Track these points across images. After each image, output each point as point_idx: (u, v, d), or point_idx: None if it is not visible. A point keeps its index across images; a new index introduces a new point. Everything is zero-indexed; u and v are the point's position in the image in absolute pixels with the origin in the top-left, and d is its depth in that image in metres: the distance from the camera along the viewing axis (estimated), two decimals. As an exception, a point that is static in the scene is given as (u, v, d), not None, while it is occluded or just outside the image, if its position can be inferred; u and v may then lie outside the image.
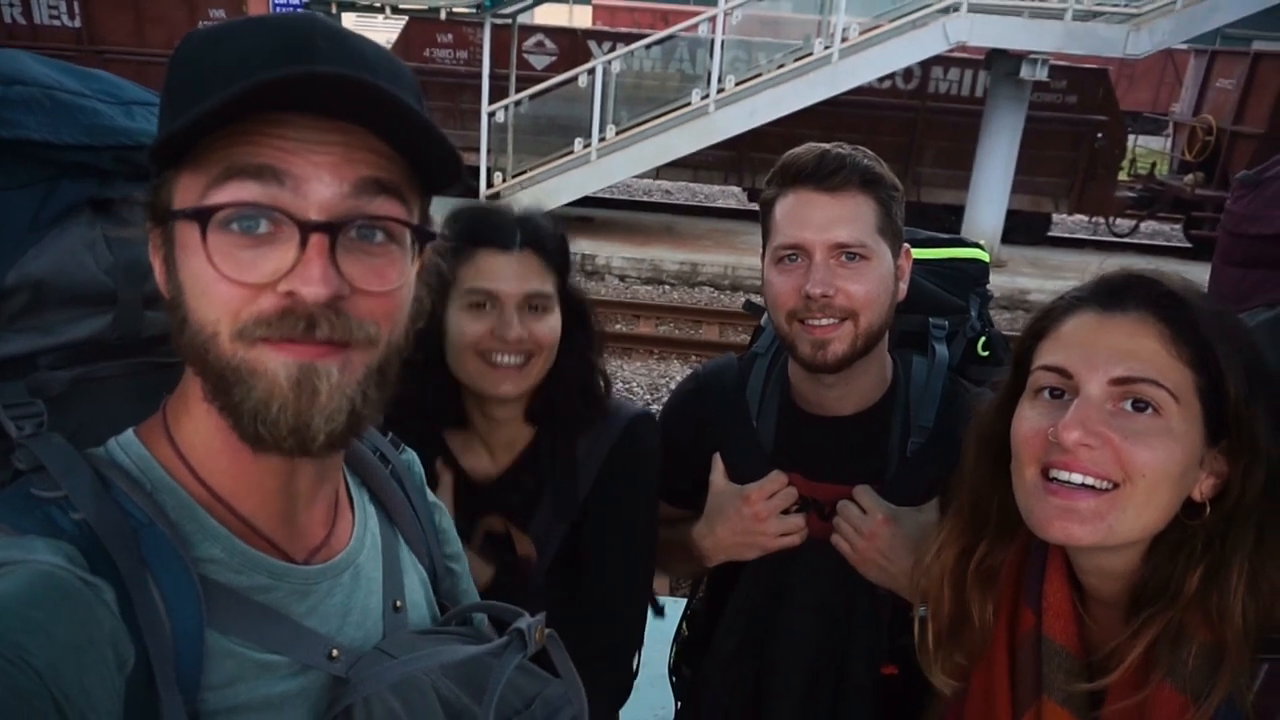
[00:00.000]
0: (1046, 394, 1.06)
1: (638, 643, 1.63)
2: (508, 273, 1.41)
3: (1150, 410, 0.99)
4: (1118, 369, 1.00)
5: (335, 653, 0.81)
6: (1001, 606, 1.17)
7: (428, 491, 1.09)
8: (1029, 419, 1.07)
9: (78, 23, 12.69)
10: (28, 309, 0.85)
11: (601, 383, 1.57)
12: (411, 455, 1.08)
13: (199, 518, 0.77)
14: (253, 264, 0.69)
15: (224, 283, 0.69)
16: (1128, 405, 1.00)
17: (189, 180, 0.71)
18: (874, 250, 1.42)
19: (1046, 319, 1.10)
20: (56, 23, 12.80)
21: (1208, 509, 1.01)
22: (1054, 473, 1.03)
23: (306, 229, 0.69)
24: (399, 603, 0.92)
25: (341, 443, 0.75)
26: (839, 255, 1.41)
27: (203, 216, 0.69)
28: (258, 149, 0.69)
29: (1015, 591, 1.17)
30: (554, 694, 0.89)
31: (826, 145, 1.46)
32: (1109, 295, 1.05)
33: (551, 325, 1.45)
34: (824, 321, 1.42)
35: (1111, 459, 0.99)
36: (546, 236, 1.46)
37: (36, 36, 12.69)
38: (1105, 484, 1.00)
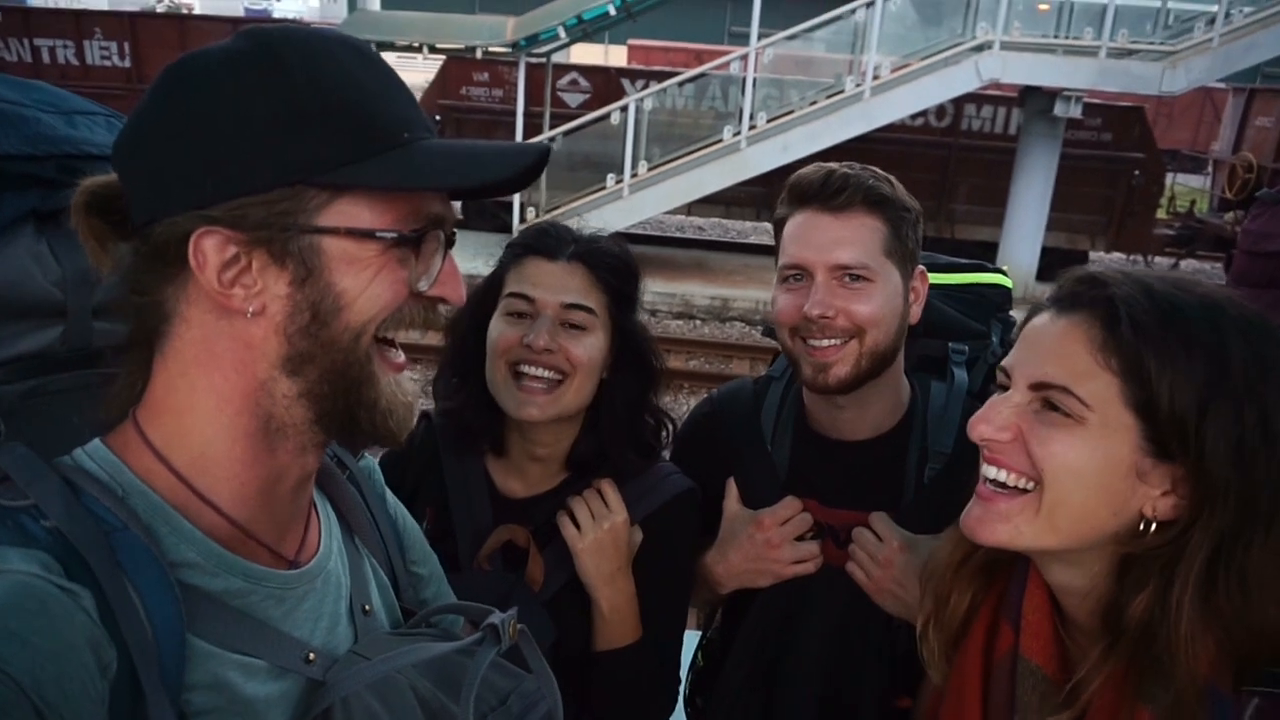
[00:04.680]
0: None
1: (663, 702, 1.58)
2: (548, 280, 1.38)
3: (1063, 414, 0.98)
4: (1038, 373, 1.00)
5: (312, 656, 0.81)
6: (979, 621, 1.14)
7: (389, 496, 1.09)
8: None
9: (128, 62, 13.16)
10: None
11: (663, 429, 1.53)
12: (371, 462, 1.08)
13: (172, 521, 0.76)
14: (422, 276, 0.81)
15: (400, 290, 0.79)
16: (1045, 407, 1.00)
17: (355, 207, 0.77)
18: (878, 272, 1.40)
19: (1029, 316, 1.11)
20: (108, 63, 13.28)
21: (1152, 528, 0.97)
22: (985, 470, 1.04)
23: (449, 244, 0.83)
24: (367, 606, 0.92)
25: None
26: (841, 276, 1.40)
27: (415, 239, 0.79)
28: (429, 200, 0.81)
29: (996, 607, 1.13)
30: (529, 689, 0.89)
31: (834, 165, 1.44)
32: (1065, 296, 1.04)
33: (589, 345, 1.39)
34: (825, 343, 1.40)
35: (1022, 453, 0.99)
36: (602, 254, 1.42)
37: (89, 76, 13.17)
38: (1021, 480, 1.00)
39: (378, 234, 0.76)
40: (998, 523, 1.01)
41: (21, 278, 0.86)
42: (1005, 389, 1.05)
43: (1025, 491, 1.00)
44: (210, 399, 0.76)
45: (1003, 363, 1.07)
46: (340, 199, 0.75)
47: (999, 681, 1.07)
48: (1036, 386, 1.00)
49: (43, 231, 0.89)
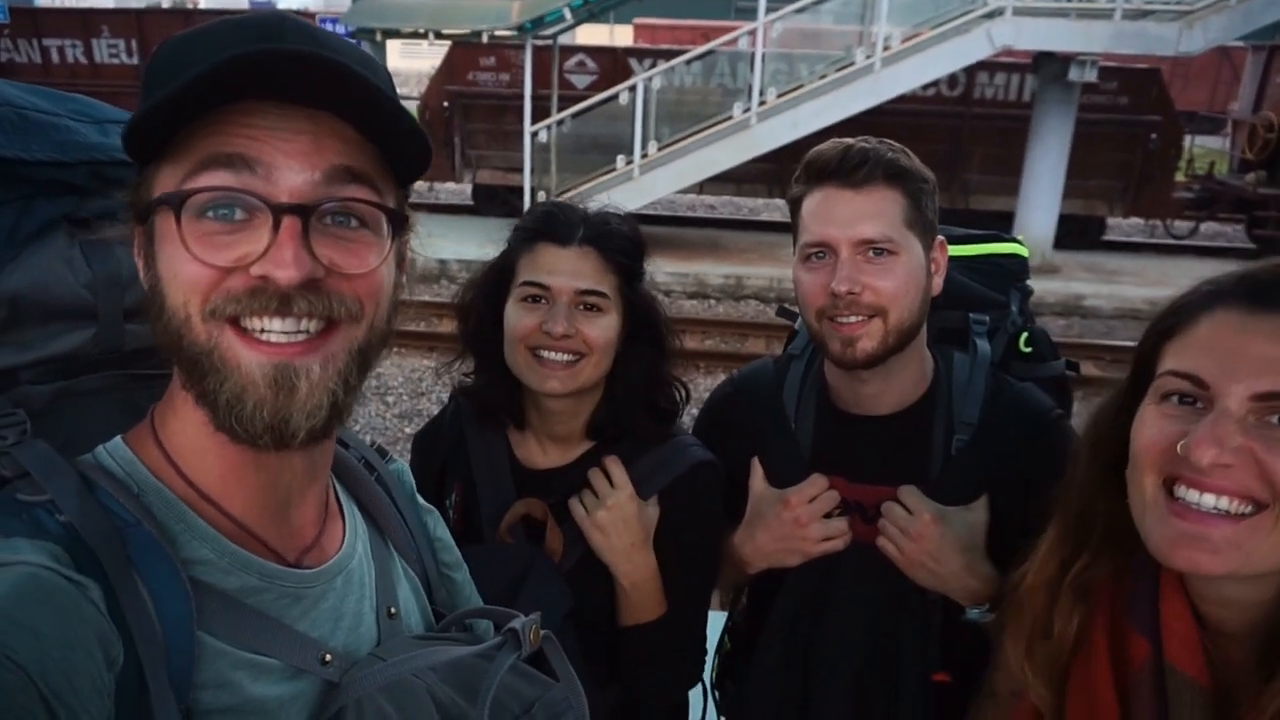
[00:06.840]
0: (1175, 399, 0.93)
1: (686, 679, 1.59)
2: (562, 267, 1.40)
3: None
4: (1264, 383, 0.86)
5: (328, 657, 0.80)
6: (1097, 630, 1.05)
7: (419, 500, 1.08)
8: (1153, 424, 0.93)
9: (136, 60, 13.18)
10: (5, 325, 0.86)
11: (677, 395, 1.55)
12: (401, 465, 1.08)
13: (187, 518, 0.76)
14: (226, 247, 0.71)
15: (195, 264, 0.70)
16: (1273, 419, 0.86)
17: (167, 174, 0.73)
18: (902, 245, 1.39)
19: (1177, 316, 0.96)
20: (116, 61, 13.32)
21: None
22: (1179, 490, 0.90)
23: (279, 212, 0.70)
24: (393, 609, 0.91)
25: (324, 435, 0.76)
26: (865, 251, 1.38)
27: (176, 201, 0.70)
28: (229, 139, 0.70)
29: (1117, 614, 1.04)
30: (555, 698, 0.88)
31: (851, 140, 1.43)
32: (1255, 292, 0.90)
33: (604, 326, 1.42)
34: (852, 319, 1.39)
35: (1255, 475, 0.86)
36: (612, 235, 1.44)
37: (97, 75, 13.22)
38: (1244, 506, 0.88)
39: (158, 200, 0.71)
40: (1225, 551, 0.88)
41: (53, 281, 0.88)
42: (1186, 397, 0.92)
43: (1244, 515, 0.88)
44: (179, 384, 0.77)
45: (1182, 368, 0.93)
46: (160, 170, 0.73)
47: (1142, 697, 0.98)
48: (1265, 397, 0.86)
49: (74, 236, 0.90)
